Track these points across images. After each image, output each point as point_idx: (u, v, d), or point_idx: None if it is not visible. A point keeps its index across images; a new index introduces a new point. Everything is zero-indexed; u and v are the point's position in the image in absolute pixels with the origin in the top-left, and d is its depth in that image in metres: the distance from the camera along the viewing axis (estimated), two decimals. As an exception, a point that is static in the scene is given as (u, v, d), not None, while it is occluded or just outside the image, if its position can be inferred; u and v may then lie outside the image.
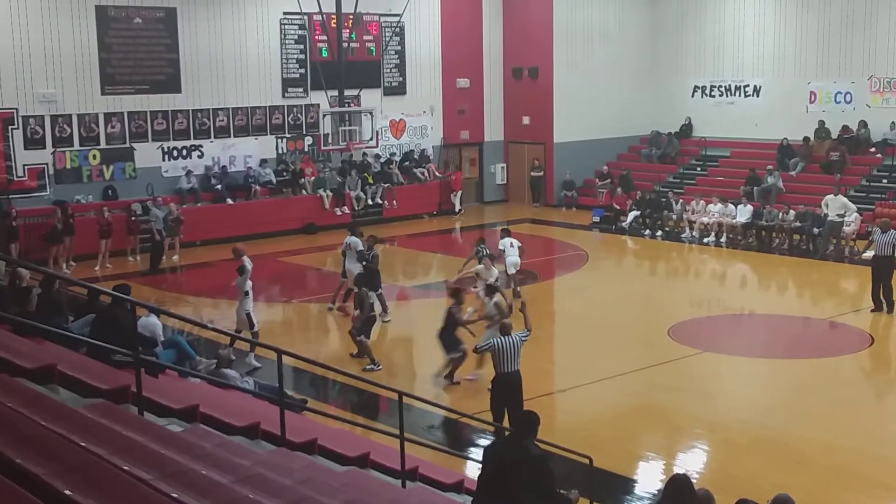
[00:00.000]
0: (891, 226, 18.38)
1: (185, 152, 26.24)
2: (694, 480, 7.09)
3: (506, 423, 11.49)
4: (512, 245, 19.06)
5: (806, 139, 28.09)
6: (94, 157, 24.80)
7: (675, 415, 13.63)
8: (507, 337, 11.91)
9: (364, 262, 17.84)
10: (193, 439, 6.70)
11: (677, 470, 10.72)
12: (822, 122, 28.20)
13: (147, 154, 25.47)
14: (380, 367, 15.23)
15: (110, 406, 6.81)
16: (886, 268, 18.17)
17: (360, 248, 18.16)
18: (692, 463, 11.89)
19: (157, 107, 25.58)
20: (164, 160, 25.88)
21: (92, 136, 24.65)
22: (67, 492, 4.55)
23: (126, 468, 5.19)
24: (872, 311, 18.22)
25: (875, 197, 25.74)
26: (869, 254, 19.42)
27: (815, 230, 23.93)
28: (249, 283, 15.53)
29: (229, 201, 25.99)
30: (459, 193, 30.35)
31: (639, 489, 11.21)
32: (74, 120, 24.35)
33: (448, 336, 14.56)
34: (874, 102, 27.56)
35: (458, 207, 30.19)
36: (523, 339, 12.00)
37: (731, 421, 13.20)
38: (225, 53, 26.55)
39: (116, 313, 8.99)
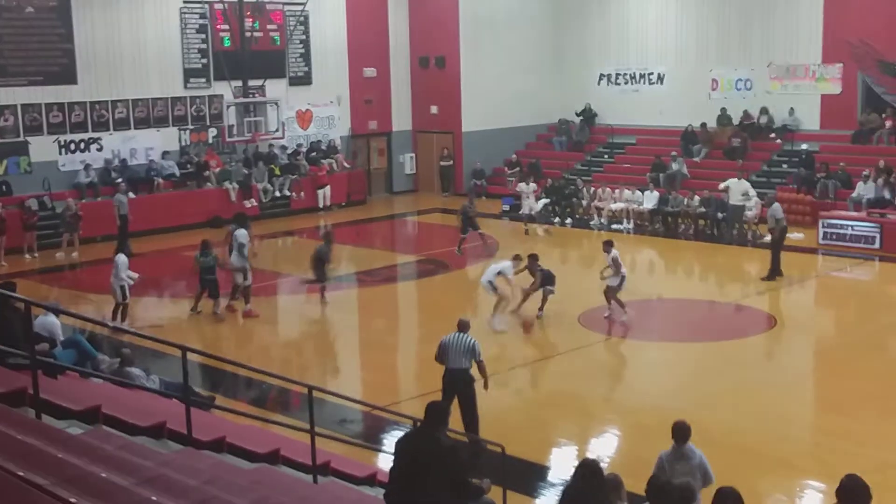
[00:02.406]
0: (774, 200, 20.53)
1: (83, 146, 25.54)
2: (605, 465, 7.13)
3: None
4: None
5: (703, 125, 28.68)
6: (-13, 151, 24.00)
7: (586, 401, 13.76)
8: (458, 334, 11.64)
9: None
10: (95, 441, 6.51)
11: (589, 455, 10.80)
12: (724, 109, 28.83)
13: (43, 148, 24.74)
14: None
15: (5, 410, 6.58)
16: (774, 239, 19.83)
17: (245, 241, 17.82)
18: (603, 448, 12.01)
19: (52, 99, 24.83)
20: (60, 154, 25.15)
21: (-16, 130, 23.85)
22: (-44, 502, 4.33)
23: (21, 474, 4.99)
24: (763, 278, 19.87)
25: (776, 181, 26.41)
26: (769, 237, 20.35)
27: (719, 215, 24.46)
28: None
29: (131, 195, 25.31)
30: (327, 188, 29.16)
31: (551, 475, 11.26)
32: (-35, 113, 23.54)
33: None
34: (773, 89, 28.27)
35: (322, 204, 29.04)
36: (474, 344, 11.58)
37: (640, 405, 13.37)
38: (123, 43, 25.88)
39: (4, 313, 8.63)
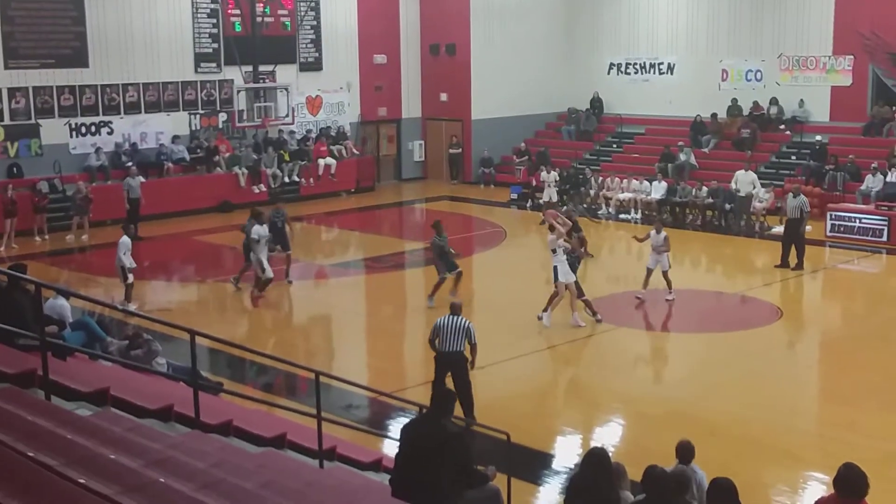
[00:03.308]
0: (801, 192, 20.35)
1: (93, 129, 25.60)
2: (610, 454, 7.16)
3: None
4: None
5: (714, 115, 28.62)
6: (-2, 133, 24.09)
7: (592, 390, 13.80)
8: (453, 317, 11.94)
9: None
10: (103, 423, 6.53)
11: (594, 444, 10.84)
12: (734, 100, 28.74)
13: (54, 130, 24.80)
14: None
15: (15, 391, 6.61)
16: (795, 229, 19.70)
17: (257, 237, 17.76)
18: (608, 437, 12.04)
19: (63, 82, 24.88)
20: (71, 137, 25.22)
21: (-5, 112, 23.93)
22: (-33, 481, 4.38)
23: (31, 454, 5.04)
24: (777, 266, 19.86)
25: (784, 173, 26.35)
26: (779, 229, 20.41)
27: (727, 206, 24.43)
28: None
29: (141, 179, 25.38)
30: (328, 158, 29.10)
31: (556, 464, 11.30)
32: (-24, 96, 23.60)
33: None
34: (784, 80, 28.18)
35: (321, 172, 28.88)
36: (470, 327, 11.93)
37: (646, 395, 13.40)
38: (134, 27, 25.91)
39: (14, 295, 8.68)
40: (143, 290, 19.00)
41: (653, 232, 17.69)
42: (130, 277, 17.15)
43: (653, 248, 17.55)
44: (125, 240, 17.25)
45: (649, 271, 17.57)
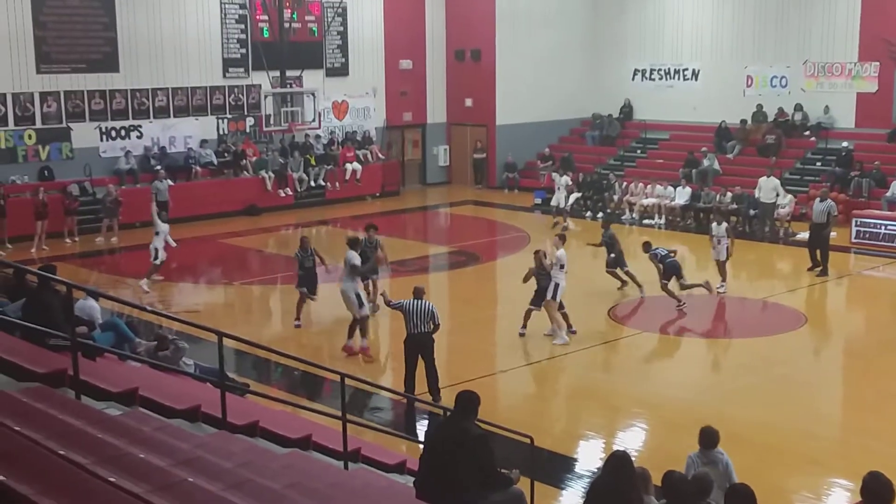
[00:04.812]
0: (828, 196, 20.58)
1: (123, 133, 25.85)
2: (632, 458, 7.19)
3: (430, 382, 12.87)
4: None
5: (743, 122, 28.51)
6: (30, 137, 24.35)
7: (615, 394, 13.81)
8: (418, 300, 12.80)
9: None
10: (132, 423, 6.64)
11: (616, 448, 10.87)
12: (759, 106, 28.63)
13: (84, 134, 25.07)
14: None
15: (47, 390, 6.73)
16: (819, 234, 19.89)
17: (356, 262, 15.42)
18: (631, 441, 12.05)
19: (94, 86, 25.15)
20: (101, 140, 25.48)
21: (27, 115, 24.20)
22: (1, 478, 4.49)
23: (62, 453, 5.14)
24: (809, 269, 20.07)
25: (809, 179, 26.22)
26: (804, 235, 20.35)
27: (752, 212, 24.35)
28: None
29: (169, 182, 25.62)
30: (355, 163, 29.24)
31: (579, 467, 11.34)
32: (9, 99, 23.88)
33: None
34: (809, 87, 28.04)
35: (347, 177, 29.02)
36: (433, 309, 12.87)
37: (669, 400, 13.40)
38: (164, 32, 26.14)
39: (44, 296, 8.83)
40: (171, 292, 19.22)
41: (714, 224, 18.62)
42: (160, 257, 18.74)
43: (715, 238, 18.25)
44: (166, 227, 18.97)
45: (717, 262, 18.39)
